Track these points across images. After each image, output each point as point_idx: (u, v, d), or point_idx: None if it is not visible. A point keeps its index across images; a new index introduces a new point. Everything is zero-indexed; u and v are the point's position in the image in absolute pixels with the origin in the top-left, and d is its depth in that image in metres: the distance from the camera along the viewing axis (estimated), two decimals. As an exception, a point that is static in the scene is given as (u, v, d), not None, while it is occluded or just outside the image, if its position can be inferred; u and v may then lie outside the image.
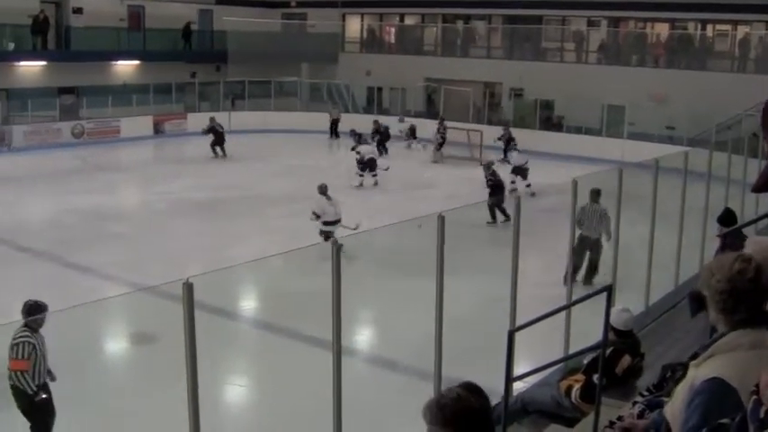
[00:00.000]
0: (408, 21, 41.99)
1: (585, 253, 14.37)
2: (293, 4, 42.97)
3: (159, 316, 11.54)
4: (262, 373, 11.49)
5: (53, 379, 8.79)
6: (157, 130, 35.65)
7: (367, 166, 25.11)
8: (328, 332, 7.19)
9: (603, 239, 14.26)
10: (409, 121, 33.78)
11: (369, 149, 25.93)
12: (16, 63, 33.54)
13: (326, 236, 16.41)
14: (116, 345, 12.83)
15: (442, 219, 8.10)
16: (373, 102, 38.88)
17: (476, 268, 13.81)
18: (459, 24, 40.36)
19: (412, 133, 32.94)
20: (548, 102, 33.83)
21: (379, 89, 38.99)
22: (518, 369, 7.46)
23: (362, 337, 12.62)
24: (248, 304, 14.81)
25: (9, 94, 33.12)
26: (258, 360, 12.00)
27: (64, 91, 34.65)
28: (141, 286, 13.65)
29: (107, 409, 9.93)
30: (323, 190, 17.20)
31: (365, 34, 42.67)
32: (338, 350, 7.18)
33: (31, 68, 34.03)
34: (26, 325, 8.28)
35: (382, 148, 29.87)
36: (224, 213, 21.25)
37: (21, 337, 8.19)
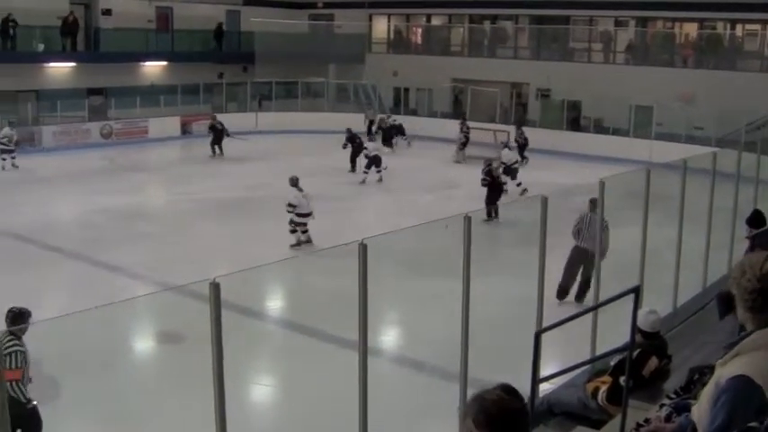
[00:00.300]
0: (435, 21, 41.95)
1: (580, 267, 13.42)
2: (320, 4, 43.04)
3: (186, 315, 11.62)
4: (287, 373, 11.51)
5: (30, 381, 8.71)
6: (185, 130, 35.85)
7: (372, 162, 25.32)
8: (354, 332, 7.19)
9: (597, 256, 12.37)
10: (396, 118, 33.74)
11: (374, 146, 26.22)
12: (46, 64, 33.83)
13: (296, 227, 17.54)
14: (143, 344, 12.90)
15: (468, 219, 8.09)
16: (400, 102, 38.87)
17: (502, 269, 13.80)
18: (487, 25, 40.26)
19: (398, 131, 32.82)
20: (575, 102, 33.68)
21: (406, 90, 38.98)
22: (544, 370, 7.42)
23: (388, 337, 12.61)
24: (274, 304, 14.85)
25: (39, 94, 33.43)
26: (284, 360, 12.03)
27: (93, 92, 34.94)
28: (168, 286, 13.73)
29: (134, 407, 9.99)
30: (294, 182, 17.81)
31: (392, 35, 42.70)
32: (364, 350, 7.18)
33: (60, 69, 34.32)
34: (11, 333, 8.14)
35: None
36: (251, 213, 21.32)
37: (10, 346, 8.02)
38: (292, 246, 17.46)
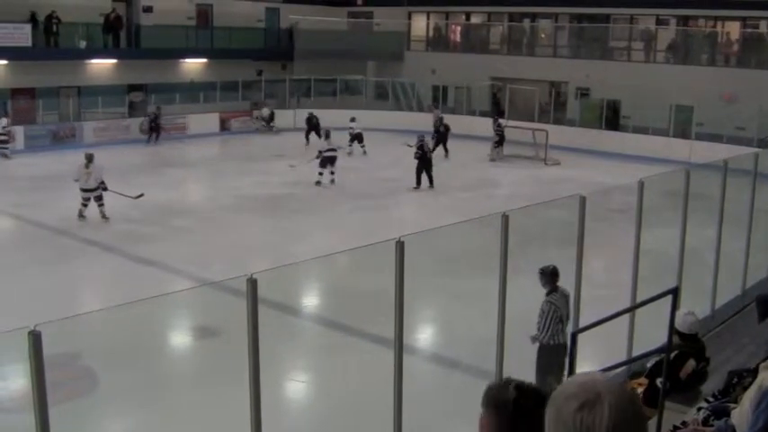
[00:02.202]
0: (474, 19, 41.83)
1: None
2: (359, 2, 43.10)
3: (223, 311, 11.69)
4: (323, 370, 11.55)
5: None
6: (224, 126, 36.08)
7: (327, 162, 24.61)
8: (390, 330, 7.21)
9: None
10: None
11: (325, 145, 25.27)
12: (88, 61, 34.18)
13: (84, 202, 19.27)
14: (180, 338, 13.01)
15: (505, 218, 8.07)
16: (438, 100, 38.82)
17: (538, 267, 13.74)
18: (526, 23, 40.09)
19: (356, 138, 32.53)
20: (614, 101, 33.43)
21: (445, 88, 38.91)
22: (580, 371, 7.40)
23: (424, 335, 12.62)
24: (311, 301, 14.90)
25: (80, 91, 33.79)
26: (319, 356, 12.07)
27: (133, 88, 35.25)
28: (206, 281, 13.82)
29: (170, 401, 10.08)
30: (89, 158, 19.73)
31: (431, 33, 42.65)
32: (400, 348, 7.20)
33: (101, 66, 34.63)
34: None
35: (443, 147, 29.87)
36: (289, 210, 21.41)
37: None
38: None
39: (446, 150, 29.52)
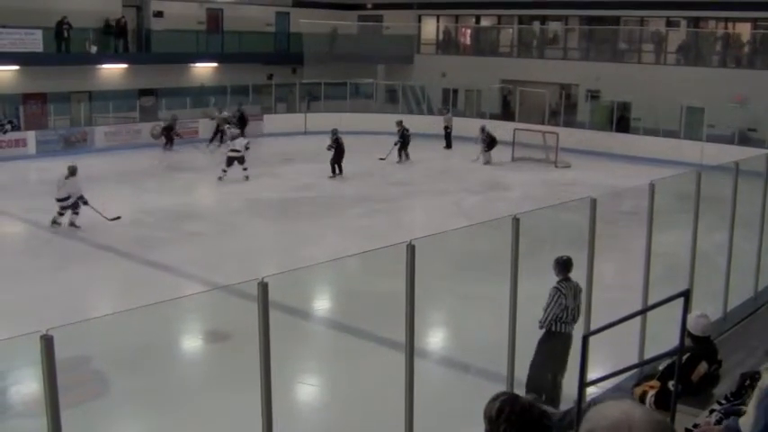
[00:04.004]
0: (484, 22, 41.85)
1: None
2: (369, 5, 43.14)
3: (234, 314, 11.72)
4: (334, 373, 11.55)
5: None
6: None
7: (233, 161, 25.54)
8: (400, 333, 7.21)
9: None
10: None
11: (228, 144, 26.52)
12: (99, 66, 34.31)
13: (60, 210, 19.16)
14: (192, 342, 13.02)
15: (516, 221, 8.07)
16: (448, 103, 38.84)
17: (549, 271, 13.71)
18: (536, 26, 40.07)
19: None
20: (624, 103, 33.37)
21: (455, 91, 38.92)
22: (592, 374, 7.38)
23: (435, 338, 12.61)
24: (322, 304, 14.91)
25: (92, 95, 33.92)
26: (330, 360, 12.08)
27: (144, 93, 35.39)
28: (217, 285, 13.84)
29: (182, 404, 10.09)
30: (71, 171, 19.58)
31: (441, 36, 42.66)
32: (411, 351, 7.19)
33: (112, 71, 34.77)
34: None
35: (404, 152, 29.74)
36: (299, 214, 21.44)
37: None
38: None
39: (407, 155, 29.42)
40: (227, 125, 31.48)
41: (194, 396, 10.32)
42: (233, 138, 26.35)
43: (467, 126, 32.96)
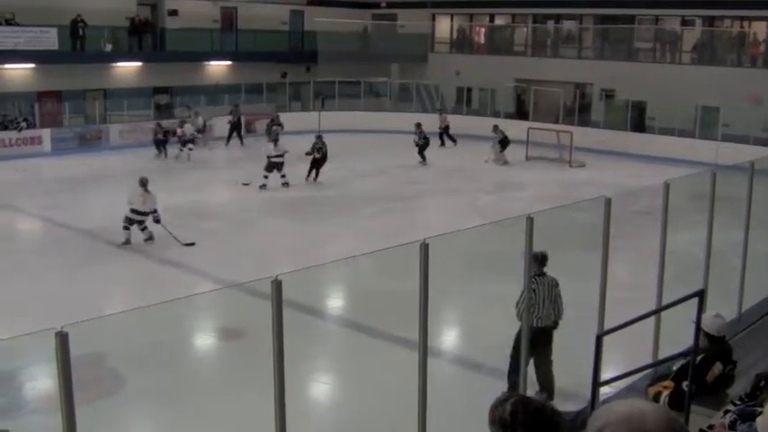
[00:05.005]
0: (498, 21, 41.78)
1: (532, 356, 9.65)
2: (383, 4, 43.13)
3: (248, 312, 11.73)
4: (347, 372, 11.56)
5: None
6: (249, 129, 36.17)
7: (274, 167, 24.48)
8: (414, 332, 7.21)
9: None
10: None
11: (272, 151, 25.00)
12: (113, 64, 34.43)
13: (129, 221, 17.92)
14: (205, 340, 13.06)
15: (530, 220, 8.05)
16: (462, 102, 38.80)
17: (563, 270, 13.68)
18: (550, 24, 39.98)
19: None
20: (639, 103, 33.25)
21: (469, 89, 38.87)
22: (605, 374, 7.37)
23: (448, 337, 12.61)
24: (335, 303, 14.91)
25: (106, 93, 34.05)
26: (344, 358, 12.09)
27: (158, 91, 35.49)
28: (231, 283, 13.87)
29: (195, 401, 10.12)
30: (142, 183, 18.28)
31: (455, 34, 42.61)
32: (424, 350, 7.19)
33: (127, 69, 34.89)
34: None
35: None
36: (313, 212, 21.46)
37: None
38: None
39: (423, 158, 29.24)
40: (275, 126, 31.07)
41: (208, 394, 10.34)
42: (274, 141, 25.29)
43: (481, 125, 32.92)
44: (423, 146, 28.92)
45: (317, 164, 25.41)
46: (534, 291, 9.47)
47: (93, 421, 8.04)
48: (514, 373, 9.51)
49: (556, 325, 9.82)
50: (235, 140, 33.15)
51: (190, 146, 29.52)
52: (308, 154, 25.40)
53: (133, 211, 18.00)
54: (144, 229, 18.04)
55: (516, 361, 9.54)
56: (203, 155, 29.73)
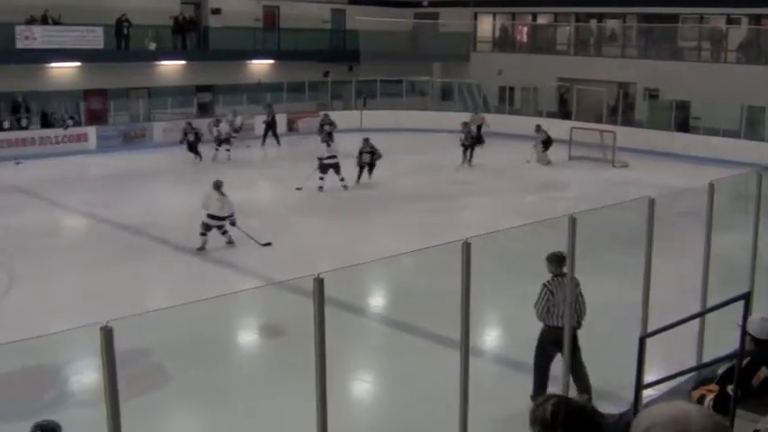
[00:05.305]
0: (541, 20, 41.55)
1: (555, 355, 9.58)
2: (425, 3, 43.08)
3: (289, 310, 11.78)
4: (388, 370, 11.57)
5: None
6: (291, 127, 36.37)
7: (329, 168, 23.81)
8: (455, 331, 7.20)
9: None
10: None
11: (324, 150, 24.50)
12: (157, 62, 34.77)
13: (206, 227, 17.29)
14: (247, 336, 13.14)
15: (573, 220, 8.01)
16: (505, 101, 38.67)
17: (606, 271, 13.59)
18: (593, 23, 39.69)
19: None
20: (684, 102, 32.89)
21: (511, 89, 38.71)
22: (648, 376, 7.31)
23: (489, 337, 12.58)
24: (377, 301, 14.93)
25: (150, 92, 34.40)
26: (384, 357, 12.10)
27: (201, 89, 35.75)
28: (273, 280, 13.94)
29: (237, 397, 10.18)
30: (216, 186, 17.65)
31: (497, 33, 42.47)
32: (466, 349, 7.19)
33: (170, 67, 35.22)
34: None
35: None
36: (355, 210, 21.51)
37: None
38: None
39: (470, 160, 28.67)
40: (326, 125, 30.90)
41: (250, 390, 10.41)
42: (326, 142, 24.98)
43: (524, 125, 32.78)
44: (469, 146, 28.69)
45: (367, 167, 24.93)
46: (552, 292, 9.41)
47: (138, 415, 8.14)
48: (538, 374, 9.47)
49: (579, 325, 9.71)
50: (270, 140, 33.02)
51: (227, 146, 29.23)
52: (359, 164, 24.83)
53: (210, 216, 17.42)
54: (225, 233, 17.49)
55: (539, 362, 9.53)
56: (241, 154, 29.80)
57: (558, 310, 9.37)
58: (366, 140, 25.00)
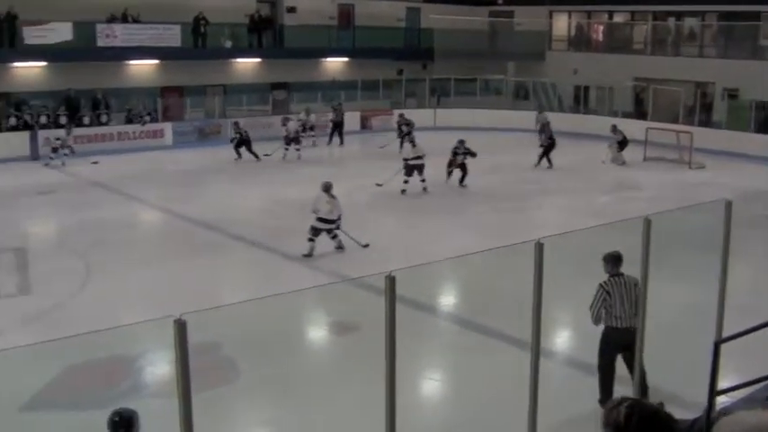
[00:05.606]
0: (617, 18, 41.03)
1: (617, 356, 9.43)
2: (500, 1, 42.88)
3: (361, 307, 11.85)
4: (457, 369, 11.55)
5: None
6: (364, 125, 36.52)
7: (414, 170, 23.13)
8: (526, 331, 7.17)
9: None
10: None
11: (410, 150, 23.92)
12: (233, 60, 35.21)
13: (315, 231, 16.55)
14: (318, 332, 13.22)
15: (648, 222, 7.91)
16: (580, 101, 38.30)
17: (680, 274, 13.38)
18: (671, 22, 39.06)
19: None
20: (764, 103, 32.16)
21: (586, 88, 38.32)
22: (723, 382, 7.18)
23: (560, 338, 12.47)
24: (448, 300, 14.91)
25: (226, 89, 34.86)
26: (454, 356, 12.07)
27: (276, 86, 36.10)
28: (344, 277, 14.01)
29: (307, 394, 10.26)
30: (326, 188, 17.01)
31: (573, 32, 42.06)
32: (537, 350, 7.15)
33: (246, 65, 35.63)
34: None
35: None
36: (427, 208, 21.50)
37: None
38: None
39: (549, 161, 28.13)
40: (404, 125, 30.52)
41: (320, 386, 10.47)
42: (411, 142, 24.39)
43: (598, 124, 32.44)
44: (548, 147, 28.29)
45: (459, 168, 24.12)
46: (609, 293, 9.22)
47: (209, 408, 8.26)
48: (602, 376, 9.34)
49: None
50: (336, 139, 33.06)
51: (296, 146, 29.07)
52: (449, 165, 24.20)
53: (320, 219, 16.70)
54: (334, 237, 16.82)
55: (601, 364, 9.38)
56: (311, 153, 29.95)
57: (616, 311, 9.20)
58: (461, 142, 24.22)
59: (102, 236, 18.14)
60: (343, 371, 10.95)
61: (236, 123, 29.82)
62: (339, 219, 16.93)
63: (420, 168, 23.15)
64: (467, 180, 24.02)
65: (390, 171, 23.47)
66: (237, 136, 28.83)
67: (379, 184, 23.23)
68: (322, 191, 16.95)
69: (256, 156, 28.43)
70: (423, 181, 23.25)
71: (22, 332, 12.33)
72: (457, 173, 24.19)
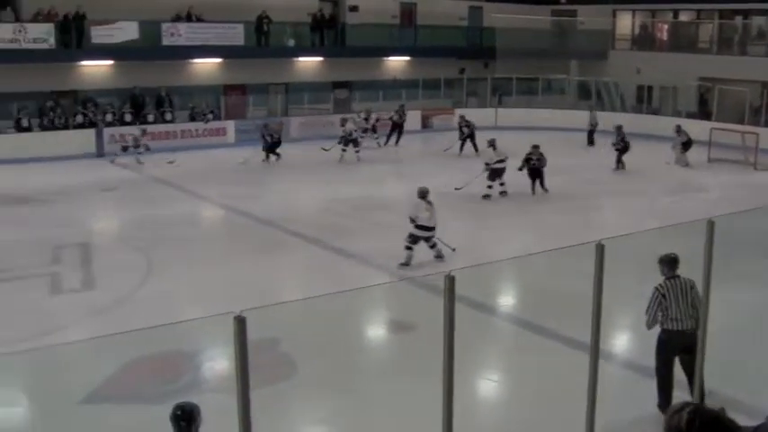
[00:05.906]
0: (682, 17, 40.43)
1: (674, 359, 9.27)
2: (563, 0, 42.56)
3: (420, 306, 11.85)
4: (515, 370, 11.49)
5: None
6: (425, 124, 36.50)
7: (495, 175, 22.56)
8: (585, 333, 7.10)
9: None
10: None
11: (493, 156, 22.87)
12: (295, 59, 35.44)
13: (414, 239, 15.73)
14: (376, 330, 13.23)
15: (711, 224, 7.79)
16: (643, 101, 37.84)
17: (745, 277, 13.16)
18: (738, 20, 38.36)
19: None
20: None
21: (650, 88, 37.84)
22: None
23: (620, 341, 12.34)
24: (506, 300, 14.83)
25: (288, 87, 35.11)
26: (512, 356, 12.01)
27: (338, 85, 36.25)
28: (404, 276, 14.01)
29: (364, 392, 10.29)
30: (422, 194, 16.09)
31: (636, 31, 41.55)
32: (596, 352, 7.08)
33: (308, 64, 35.86)
34: None
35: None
36: (489, 208, 21.42)
37: None
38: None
39: (622, 164, 27.84)
40: (465, 126, 30.32)
41: (377, 384, 10.50)
42: (492, 145, 23.25)
43: (661, 125, 32.03)
44: (622, 150, 27.61)
45: (535, 174, 23.37)
46: (664, 296, 9.10)
47: (267, 404, 8.32)
48: (660, 380, 9.21)
49: (697, 327, 9.35)
50: (392, 139, 32.67)
51: (356, 148, 28.74)
52: (520, 169, 23.31)
53: (419, 227, 15.80)
54: (433, 246, 15.84)
55: (659, 368, 9.25)
56: (371, 154, 29.98)
57: (672, 313, 9.08)
58: (536, 147, 23.41)
59: (164, 232, 18.38)
60: (401, 370, 10.95)
61: (265, 125, 29.44)
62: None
63: (501, 172, 22.67)
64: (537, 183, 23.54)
65: (452, 171, 23.43)
66: (269, 138, 28.42)
67: (458, 188, 22.68)
68: (418, 197, 16.07)
69: (268, 158, 28.25)
70: (502, 185, 22.76)
71: (86, 327, 12.56)
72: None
